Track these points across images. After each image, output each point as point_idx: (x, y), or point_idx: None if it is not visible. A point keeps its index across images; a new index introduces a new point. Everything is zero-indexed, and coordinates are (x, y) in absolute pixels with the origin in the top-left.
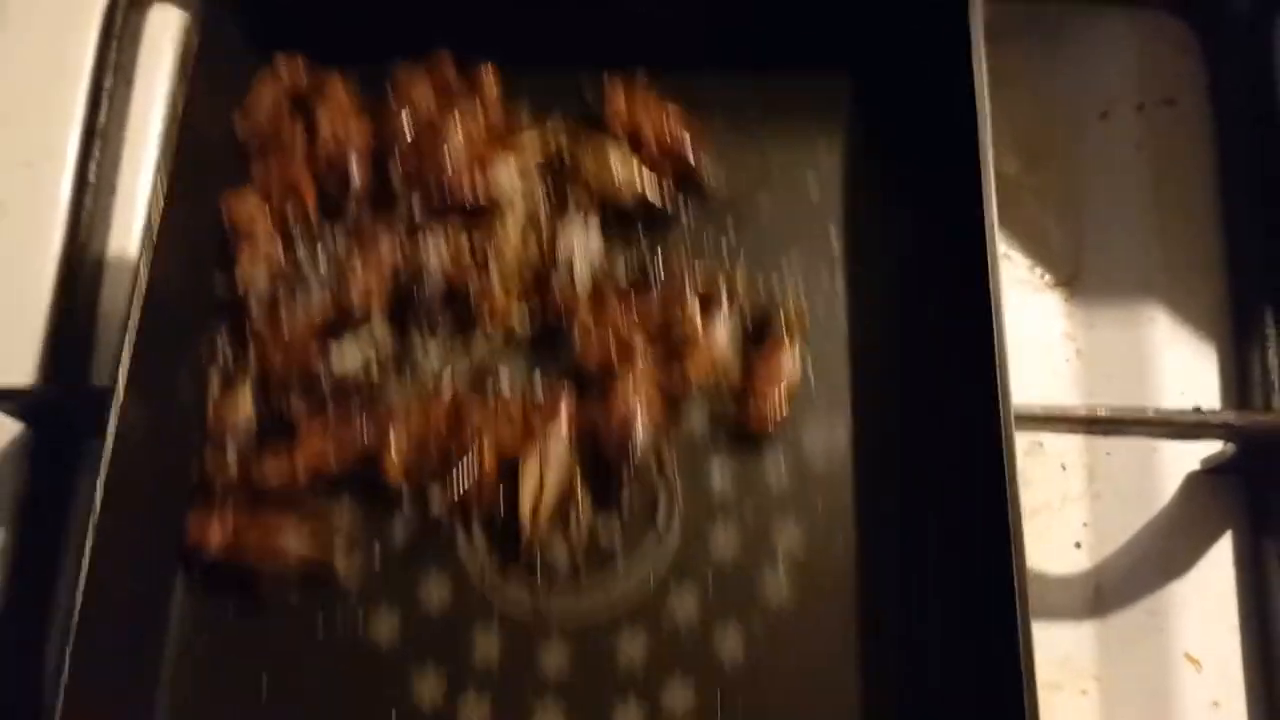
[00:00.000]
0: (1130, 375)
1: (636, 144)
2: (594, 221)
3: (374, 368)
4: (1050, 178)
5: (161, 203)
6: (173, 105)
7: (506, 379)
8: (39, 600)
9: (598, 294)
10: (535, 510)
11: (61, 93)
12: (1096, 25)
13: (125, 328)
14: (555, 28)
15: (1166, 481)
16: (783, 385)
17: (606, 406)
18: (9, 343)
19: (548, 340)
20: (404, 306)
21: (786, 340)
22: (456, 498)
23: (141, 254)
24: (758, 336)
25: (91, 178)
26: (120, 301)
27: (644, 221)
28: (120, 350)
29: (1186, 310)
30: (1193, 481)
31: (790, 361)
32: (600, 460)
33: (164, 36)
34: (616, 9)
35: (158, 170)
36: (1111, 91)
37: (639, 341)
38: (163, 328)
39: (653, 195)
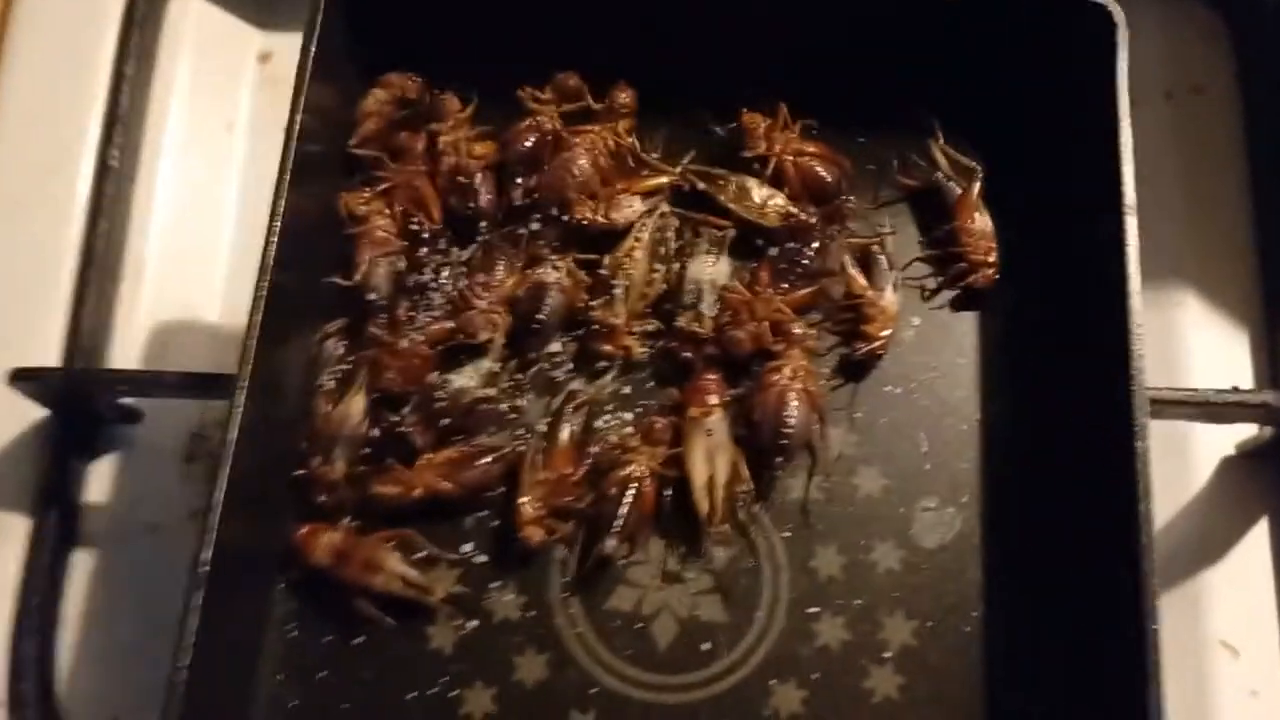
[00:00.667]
0: (1160, 359)
1: (777, 180)
2: (723, 255)
3: (492, 392)
4: None
5: (282, 201)
6: (289, 123)
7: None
8: (54, 588)
9: (748, 284)
10: (712, 504)
11: (83, 79)
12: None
13: (247, 326)
14: (687, 65)
15: (1200, 466)
16: (991, 237)
17: (761, 387)
18: (30, 328)
19: (667, 373)
20: (524, 334)
21: (973, 191)
22: (623, 540)
23: (265, 252)
24: (939, 212)
25: (113, 164)
26: (138, 292)
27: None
28: (243, 346)
29: (1217, 295)
30: (1227, 466)
31: (985, 215)
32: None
33: (185, 22)
34: (757, 43)
35: (279, 177)
36: (1141, 80)
37: (797, 325)
38: (276, 325)
39: (800, 213)
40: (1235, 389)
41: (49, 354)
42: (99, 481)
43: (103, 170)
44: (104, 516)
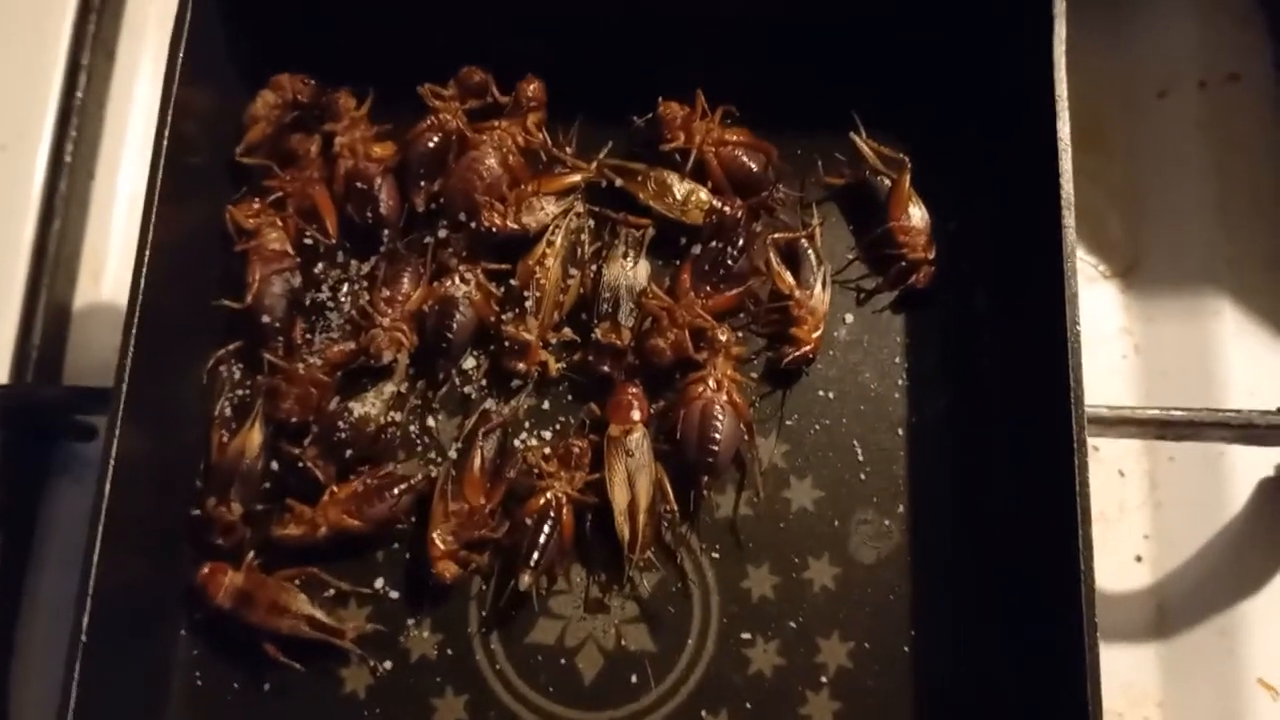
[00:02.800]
0: (1192, 372)
1: (699, 173)
2: (642, 258)
3: (398, 417)
4: (1106, 162)
5: (153, 217)
6: (158, 134)
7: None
8: (7, 613)
9: (668, 288)
10: (634, 531)
11: (37, 69)
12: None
13: (120, 348)
14: (598, 59)
15: (1236, 489)
16: (928, 231)
17: (684, 401)
18: None
19: (585, 387)
20: (432, 352)
21: (903, 184)
22: (539, 573)
23: (136, 273)
24: (870, 208)
25: (68, 158)
26: (96, 297)
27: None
28: (115, 370)
29: (1254, 302)
30: (1266, 489)
31: (920, 208)
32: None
33: (148, 9)
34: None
35: (148, 187)
36: (1170, 68)
37: (720, 332)
38: (160, 349)
39: (724, 207)
40: None
41: None
42: (55, 502)
43: (56, 165)
44: (60, 539)
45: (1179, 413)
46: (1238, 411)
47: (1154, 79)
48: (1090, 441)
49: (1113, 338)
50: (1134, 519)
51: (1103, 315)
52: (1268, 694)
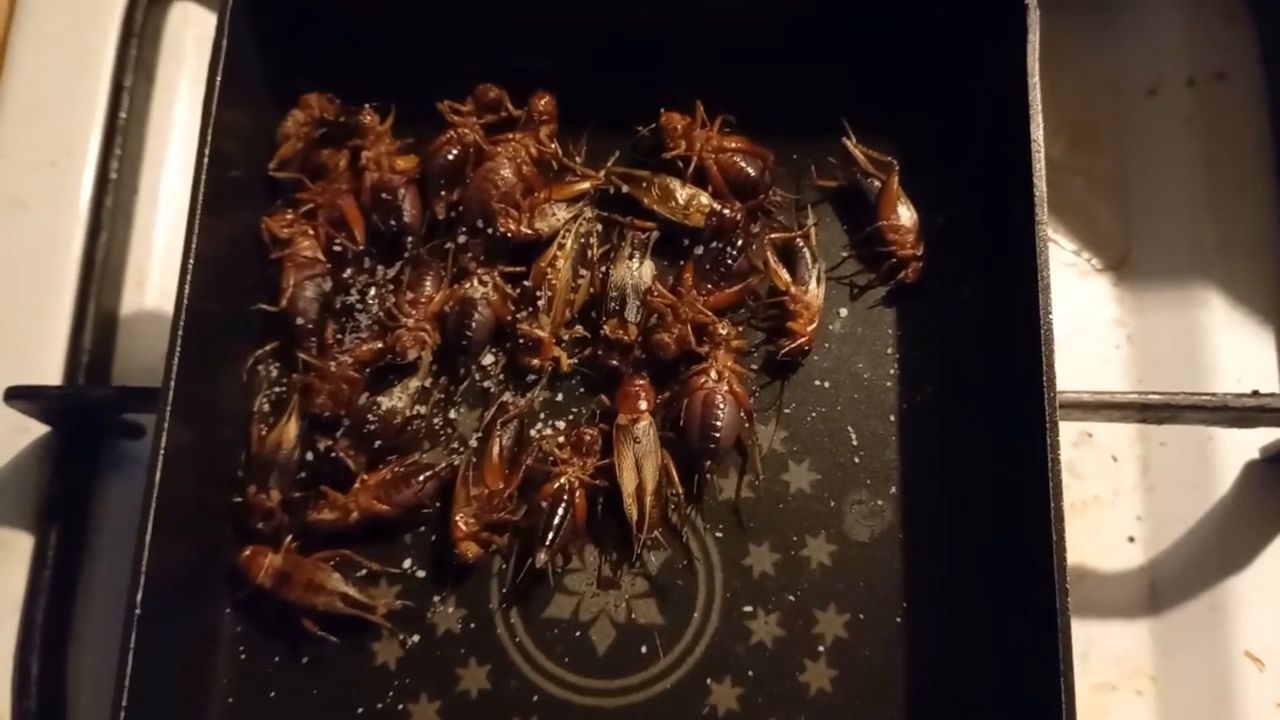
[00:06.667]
0: (1183, 361)
1: (700, 178)
2: (647, 258)
3: (423, 410)
4: (1097, 158)
5: (196, 228)
6: (199, 152)
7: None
8: (63, 603)
9: (672, 286)
10: (641, 512)
11: (83, 91)
12: None
13: (167, 350)
14: (604, 74)
15: (1224, 471)
16: (916, 229)
17: (687, 391)
18: (31, 343)
19: (596, 380)
20: (453, 350)
21: (892, 185)
22: (554, 552)
23: (182, 281)
24: (861, 209)
25: (113, 175)
26: (141, 304)
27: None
28: (163, 371)
29: (1242, 293)
30: (1252, 470)
31: (908, 207)
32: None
33: (185, 33)
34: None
35: (191, 201)
36: (1160, 66)
37: (721, 326)
38: (203, 350)
39: (723, 210)
40: (1255, 393)
41: (52, 368)
42: (105, 497)
43: (102, 181)
44: (112, 531)
45: (1156, 396)
46: (1213, 395)
47: (1144, 77)
48: (1083, 428)
49: (1106, 328)
50: (1127, 501)
51: (1096, 307)
52: (1255, 666)
